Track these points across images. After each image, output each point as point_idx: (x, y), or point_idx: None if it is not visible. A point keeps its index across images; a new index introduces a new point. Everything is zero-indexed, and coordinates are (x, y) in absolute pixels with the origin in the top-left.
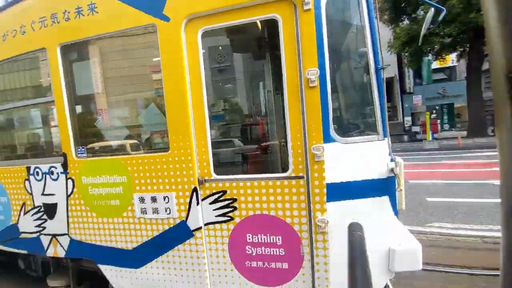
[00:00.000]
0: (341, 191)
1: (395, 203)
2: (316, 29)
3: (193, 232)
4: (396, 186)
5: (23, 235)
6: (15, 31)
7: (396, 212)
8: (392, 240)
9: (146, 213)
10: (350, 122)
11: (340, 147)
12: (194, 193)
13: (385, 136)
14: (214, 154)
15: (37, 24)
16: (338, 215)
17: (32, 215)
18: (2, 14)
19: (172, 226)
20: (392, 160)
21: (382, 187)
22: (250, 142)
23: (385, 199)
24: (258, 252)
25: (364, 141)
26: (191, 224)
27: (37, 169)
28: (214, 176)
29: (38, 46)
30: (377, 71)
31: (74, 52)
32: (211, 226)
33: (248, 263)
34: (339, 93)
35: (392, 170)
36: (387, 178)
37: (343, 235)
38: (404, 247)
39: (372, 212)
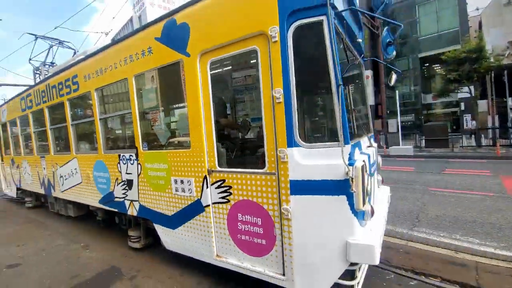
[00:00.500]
0: (302, 187)
1: (356, 203)
2: (281, 56)
3: (204, 208)
4: (352, 188)
5: (116, 199)
6: (111, 66)
7: (355, 212)
8: (349, 234)
9: (178, 191)
10: (315, 131)
11: (304, 151)
12: (205, 180)
13: (346, 143)
14: (218, 153)
15: (122, 62)
16: (299, 206)
17: (120, 186)
18: (104, 54)
19: (192, 202)
20: (351, 164)
21: (339, 187)
22: (243, 144)
23: (343, 198)
24: (245, 229)
25: (325, 147)
26: (203, 202)
27: (123, 156)
28: (218, 168)
29: (123, 77)
30: (337, 88)
31: (142, 79)
32: (215, 205)
33: (239, 236)
34: (307, 107)
35: (347, 173)
36: (344, 180)
37: (304, 222)
38: (359, 242)
39: (329, 208)
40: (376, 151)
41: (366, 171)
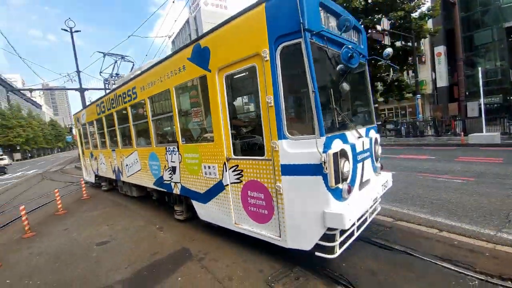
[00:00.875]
0: (290, 170)
1: (329, 180)
2: (271, 71)
3: (225, 187)
4: (325, 170)
5: (164, 182)
6: (158, 80)
7: (329, 188)
8: (325, 206)
9: (206, 174)
10: (299, 127)
11: (291, 142)
12: (224, 165)
13: (321, 135)
14: (232, 144)
15: (166, 76)
16: (287, 184)
17: (167, 171)
18: (153, 71)
19: (216, 183)
20: (324, 152)
21: (316, 169)
22: (250, 137)
23: (319, 178)
24: (253, 202)
25: (306, 139)
26: (224, 182)
27: (169, 148)
28: (233, 156)
29: (166, 88)
30: (315, 93)
31: (179, 89)
32: (232, 184)
33: (249, 207)
34: (293, 108)
35: (321, 159)
36: (320, 164)
37: (291, 196)
38: (332, 212)
39: (309, 185)
40: (373, 141)
41: (343, 157)
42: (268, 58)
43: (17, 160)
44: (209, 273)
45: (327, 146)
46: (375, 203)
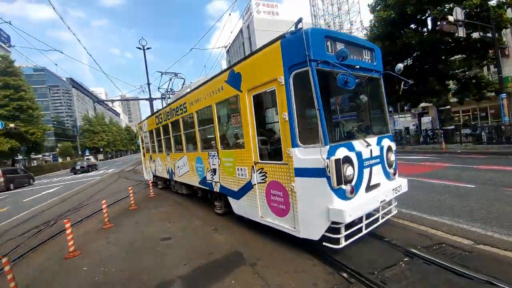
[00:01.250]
0: (301, 172)
1: (332, 182)
2: (286, 93)
3: (253, 186)
4: (327, 173)
5: (207, 181)
6: (203, 97)
7: (333, 188)
8: (329, 203)
9: (239, 175)
10: (309, 137)
11: (302, 150)
12: (253, 168)
13: (326, 144)
14: (259, 150)
15: (208, 95)
16: (300, 184)
17: (209, 172)
18: (199, 90)
19: (246, 182)
20: (328, 158)
21: (321, 172)
22: (272, 146)
23: (324, 179)
24: (274, 199)
25: (314, 147)
26: (252, 182)
27: (211, 153)
28: (259, 160)
29: (208, 104)
30: (320, 110)
31: (219, 105)
32: (258, 184)
33: (272, 203)
34: (304, 122)
35: (324, 163)
36: (324, 168)
37: (302, 194)
38: (335, 208)
39: (316, 185)
40: (385, 149)
41: (346, 163)
42: (283, 83)
43: (100, 160)
44: (261, 279)
45: (330, 153)
46: (385, 205)
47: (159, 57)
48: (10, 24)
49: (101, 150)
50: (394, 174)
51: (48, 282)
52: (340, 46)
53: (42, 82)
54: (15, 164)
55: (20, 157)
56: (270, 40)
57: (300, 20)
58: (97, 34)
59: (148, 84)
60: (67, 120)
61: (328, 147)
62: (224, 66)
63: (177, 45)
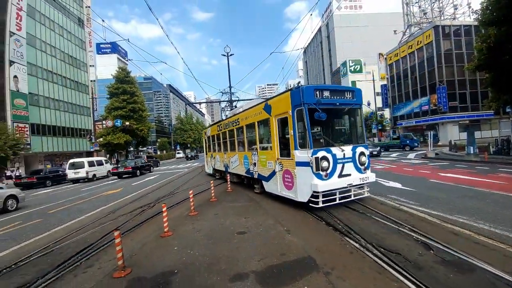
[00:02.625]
0: (299, 163)
1: (313, 169)
2: (292, 120)
3: (275, 173)
4: (310, 164)
5: (250, 171)
6: (249, 117)
7: (314, 172)
8: (312, 180)
9: (269, 166)
10: (303, 144)
11: (299, 151)
12: (276, 161)
13: (311, 148)
14: (280, 151)
15: (253, 115)
16: (298, 170)
17: (252, 165)
18: (247, 111)
19: (272, 171)
20: (311, 156)
21: (308, 164)
22: (286, 148)
23: (309, 168)
24: (286, 180)
25: (305, 150)
26: (275, 170)
27: (253, 152)
28: (279, 157)
29: (253, 121)
30: (308, 130)
31: (259, 123)
32: (278, 172)
33: (285, 183)
34: (301, 136)
35: (309, 159)
36: (309, 161)
37: (299, 176)
38: (314, 183)
39: (306, 171)
40: (357, 153)
41: (323, 159)
42: (291, 114)
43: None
44: None
45: (313, 153)
46: (353, 187)
47: (240, 62)
48: (128, 41)
49: (189, 146)
50: (365, 169)
51: (147, 255)
52: (326, 93)
53: (149, 88)
54: (128, 155)
55: (131, 149)
56: (285, 90)
57: (299, 85)
58: (191, 45)
59: (230, 87)
60: (164, 119)
61: (312, 150)
62: (301, 67)
63: (255, 50)
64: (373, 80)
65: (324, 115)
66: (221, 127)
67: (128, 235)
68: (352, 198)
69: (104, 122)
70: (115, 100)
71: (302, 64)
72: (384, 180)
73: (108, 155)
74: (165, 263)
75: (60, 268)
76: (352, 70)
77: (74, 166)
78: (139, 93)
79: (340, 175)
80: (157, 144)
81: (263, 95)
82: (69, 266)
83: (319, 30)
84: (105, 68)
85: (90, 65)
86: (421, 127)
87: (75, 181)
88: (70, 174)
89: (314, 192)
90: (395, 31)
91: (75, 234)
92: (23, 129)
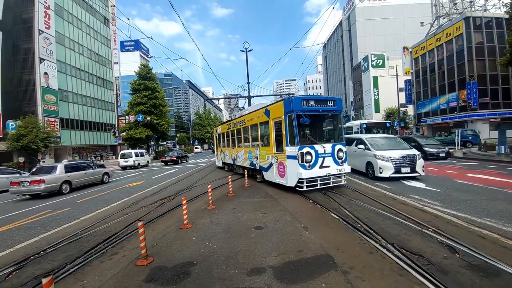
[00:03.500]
0: (289, 157)
1: (299, 161)
2: (284, 123)
3: (272, 164)
4: (297, 157)
5: (253, 163)
6: (253, 118)
7: (300, 164)
8: (298, 170)
9: (267, 159)
10: (291, 141)
11: (289, 147)
12: (273, 155)
13: (298, 145)
14: (276, 146)
15: (256, 117)
16: (288, 162)
17: (255, 158)
18: (252, 113)
19: (270, 163)
20: (298, 151)
21: (295, 157)
22: (280, 145)
23: (296, 160)
24: (280, 169)
25: (293, 146)
26: (272, 162)
27: (256, 148)
28: (275, 152)
29: (256, 122)
30: (296, 131)
31: (260, 124)
32: (274, 163)
33: (279, 172)
34: (291, 134)
35: (296, 153)
36: (296, 155)
37: (289, 166)
38: (299, 172)
39: (293, 163)
40: (336, 150)
41: (307, 153)
42: (283, 118)
43: (205, 150)
44: None
45: (300, 149)
46: (331, 176)
47: (259, 57)
48: (152, 39)
49: (206, 141)
50: (342, 162)
51: (168, 246)
52: (311, 102)
53: (169, 84)
54: (149, 149)
55: (152, 143)
56: (279, 99)
57: (290, 96)
58: (210, 42)
59: (248, 83)
60: (183, 115)
61: (298, 146)
62: (320, 62)
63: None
64: (397, 75)
65: (308, 120)
66: (230, 125)
67: (149, 226)
68: (331, 185)
69: (127, 117)
70: (137, 96)
71: (321, 59)
72: (406, 180)
73: (130, 149)
74: (185, 254)
75: (87, 255)
76: (374, 65)
77: (124, 156)
78: (160, 89)
79: (321, 166)
80: (176, 139)
81: (281, 90)
82: (96, 253)
83: (340, 23)
84: (128, 64)
85: (115, 62)
86: (448, 124)
87: (124, 168)
88: (121, 162)
89: (300, 179)
90: (422, 23)
91: (101, 223)
92: (53, 123)
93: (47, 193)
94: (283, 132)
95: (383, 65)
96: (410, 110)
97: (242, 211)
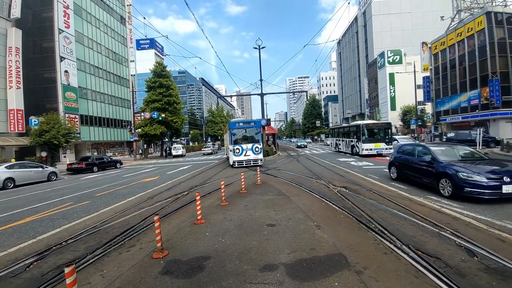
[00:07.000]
0: (230, 150)
1: (233, 152)
2: (228, 133)
3: (228, 154)
4: (232, 150)
5: (226, 153)
6: (225, 129)
7: (233, 154)
8: (233, 157)
9: (228, 151)
10: (231, 142)
11: (230, 146)
12: (229, 150)
13: (232, 144)
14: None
15: (225, 128)
16: (230, 153)
17: (229, 151)
18: (225, 125)
19: (227, 153)
20: (232, 147)
21: (232, 150)
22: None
23: (231, 152)
24: (228, 157)
25: (231, 145)
26: (228, 154)
27: (229, 146)
28: (229, 148)
29: (226, 131)
30: (231, 137)
31: (226, 132)
32: (229, 154)
33: (229, 158)
34: (231, 139)
35: (231, 148)
36: (233, 149)
37: (230, 155)
38: (232, 158)
39: (231, 153)
40: (254, 147)
41: (237, 148)
42: (228, 131)
43: (219, 149)
44: None
45: (233, 146)
46: (251, 160)
47: (272, 55)
48: (167, 38)
49: (219, 138)
50: (257, 153)
51: (182, 240)
52: (241, 123)
53: (183, 81)
54: (164, 145)
55: (166, 140)
56: (228, 122)
57: (231, 119)
58: (224, 39)
59: (261, 80)
60: (197, 112)
61: (232, 145)
62: (334, 59)
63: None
64: (414, 72)
65: (235, 132)
66: (224, 129)
67: (164, 220)
68: (252, 164)
69: (142, 114)
70: (152, 93)
71: (335, 55)
72: None
73: (145, 145)
74: (199, 248)
75: (106, 246)
76: (391, 61)
77: (175, 148)
78: (174, 86)
79: (245, 155)
80: (190, 135)
81: (294, 88)
82: (115, 244)
83: (355, 19)
84: (143, 62)
85: (131, 60)
86: (469, 123)
87: (175, 156)
88: (173, 152)
89: (233, 161)
90: (442, 17)
91: (119, 216)
92: (73, 119)
93: None
94: (227, 138)
95: (400, 62)
96: (428, 108)
97: (255, 208)
